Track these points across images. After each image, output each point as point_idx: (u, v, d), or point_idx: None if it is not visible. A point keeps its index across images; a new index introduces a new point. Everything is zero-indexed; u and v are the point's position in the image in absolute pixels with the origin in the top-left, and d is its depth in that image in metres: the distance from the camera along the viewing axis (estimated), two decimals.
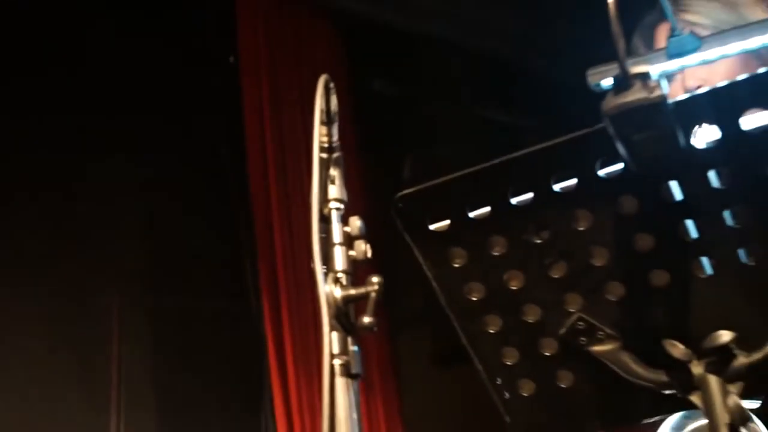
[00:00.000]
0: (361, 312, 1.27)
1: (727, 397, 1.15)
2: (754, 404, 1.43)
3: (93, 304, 4.06)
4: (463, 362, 1.33)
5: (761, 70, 1.08)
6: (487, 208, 1.22)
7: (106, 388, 3.97)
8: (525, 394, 1.30)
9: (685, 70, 1.80)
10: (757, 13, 2.06)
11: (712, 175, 1.12)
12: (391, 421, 4.23)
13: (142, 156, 4.34)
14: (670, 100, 1.07)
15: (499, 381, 1.30)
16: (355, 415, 1.23)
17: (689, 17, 2.06)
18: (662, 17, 2.06)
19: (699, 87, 1.96)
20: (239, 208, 4.29)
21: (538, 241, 1.23)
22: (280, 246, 4.08)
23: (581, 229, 1.20)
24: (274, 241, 4.10)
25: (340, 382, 1.23)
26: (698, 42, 1.42)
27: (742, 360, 1.18)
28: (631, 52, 2.06)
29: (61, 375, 3.90)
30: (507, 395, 1.30)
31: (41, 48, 4.13)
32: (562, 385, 1.29)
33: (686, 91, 1.98)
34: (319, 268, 1.26)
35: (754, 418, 1.42)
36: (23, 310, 3.87)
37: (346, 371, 1.23)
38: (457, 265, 1.26)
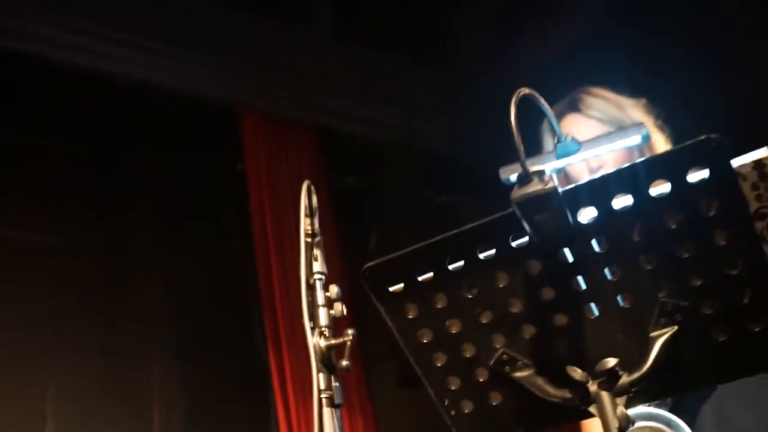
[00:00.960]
0: (340, 356, 1.28)
1: (616, 408, 1.17)
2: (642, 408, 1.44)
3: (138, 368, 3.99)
4: (422, 388, 1.33)
5: (638, 160, 1.13)
6: (431, 273, 1.25)
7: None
8: (466, 411, 1.31)
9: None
10: (637, 114, 2.10)
11: (593, 243, 1.16)
12: None
13: (171, 245, 4.35)
14: (560, 189, 1.11)
15: (446, 402, 1.31)
16: None
17: (590, 112, 2.10)
18: (563, 112, 2.11)
19: (600, 167, 1.99)
20: (249, 281, 4.31)
21: (470, 296, 1.25)
22: (280, 308, 4.14)
23: (501, 286, 1.23)
24: (276, 304, 4.15)
25: (327, 411, 1.23)
26: (578, 145, 1.47)
27: (624, 379, 1.20)
28: (539, 143, 2.11)
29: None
30: (453, 413, 1.31)
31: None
32: (494, 403, 1.30)
33: (590, 171, 2.01)
34: (307, 325, 1.27)
35: (639, 422, 1.43)
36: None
37: (331, 403, 1.24)
38: (410, 316, 1.28)
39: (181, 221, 4.38)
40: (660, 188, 1.08)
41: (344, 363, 1.24)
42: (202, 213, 4.46)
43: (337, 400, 1.23)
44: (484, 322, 1.25)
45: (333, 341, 1.25)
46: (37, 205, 3.97)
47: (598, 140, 1.58)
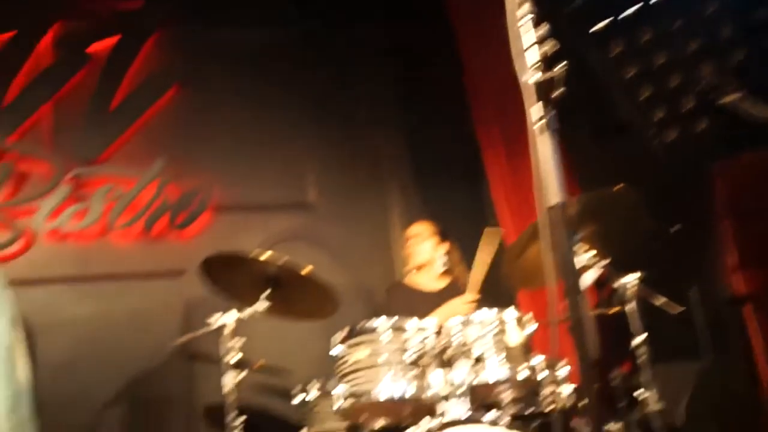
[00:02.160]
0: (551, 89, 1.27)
1: None
2: None
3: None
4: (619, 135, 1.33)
5: None
6: (635, 8, 1.22)
7: None
8: (670, 140, 1.30)
9: None
10: None
11: None
12: None
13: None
14: None
15: (651, 133, 1.30)
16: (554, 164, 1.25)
17: None
18: None
19: None
20: None
21: (676, 27, 1.22)
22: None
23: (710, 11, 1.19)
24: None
25: (544, 137, 1.25)
26: None
27: None
28: None
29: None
30: (657, 142, 1.30)
31: None
32: (698, 130, 1.29)
33: None
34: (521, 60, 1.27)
35: None
36: None
37: (547, 128, 1.25)
38: (615, 53, 1.26)
39: None
40: None
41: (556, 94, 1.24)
42: None
43: (553, 126, 1.24)
44: (691, 50, 1.23)
45: (546, 75, 1.25)
46: None
47: None
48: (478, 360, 2.30)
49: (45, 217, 3.46)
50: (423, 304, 3.14)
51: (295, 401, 2.77)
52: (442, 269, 3.28)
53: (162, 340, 3.23)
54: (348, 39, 4.09)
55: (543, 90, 1.26)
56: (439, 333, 2.40)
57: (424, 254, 3.26)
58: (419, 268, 3.27)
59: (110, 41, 3.84)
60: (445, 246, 3.31)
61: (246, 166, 3.81)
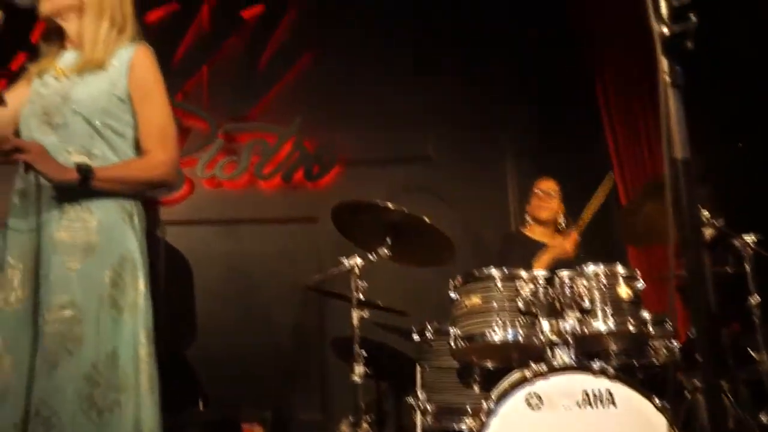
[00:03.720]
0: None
1: None
2: None
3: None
4: None
5: None
6: None
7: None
8: None
9: None
10: None
11: None
12: None
13: None
14: None
15: None
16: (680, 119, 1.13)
17: None
18: None
19: None
20: None
21: None
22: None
23: None
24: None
25: (670, 92, 1.13)
26: None
27: None
28: None
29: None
30: None
31: None
32: None
33: None
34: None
35: None
36: None
37: (674, 83, 1.12)
38: None
39: None
40: None
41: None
42: None
43: (678, 81, 1.11)
44: None
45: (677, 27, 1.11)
46: None
47: None
48: (588, 311, 2.20)
49: (203, 167, 3.65)
50: (536, 252, 3.05)
51: (413, 339, 2.80)
52: (558, 228, 3.18)
53: (298, 277, 3.35)
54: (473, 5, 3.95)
55: (673, 43, 1.13)
56: (551, 283, 2.33)
57: (550, 211, 3.15)
58: (541, 222, 3.17)
59: (257, 9, 3.94)
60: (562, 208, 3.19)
61: (372, 124, 3.83)
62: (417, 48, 3.89)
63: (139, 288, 1.66)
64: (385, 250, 2.58)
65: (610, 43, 3.59)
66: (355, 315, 2.50)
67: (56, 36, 1.76)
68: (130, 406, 1.59)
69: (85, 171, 1.58)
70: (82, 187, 1.58)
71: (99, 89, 1.69)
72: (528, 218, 3.21)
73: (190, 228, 3.62)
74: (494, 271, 2.33)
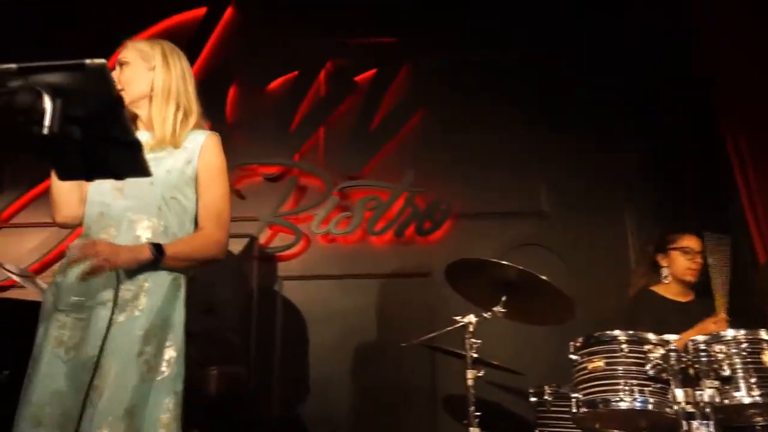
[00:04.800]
0: None
1: None
2: None
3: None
4: None
5: None
6: None
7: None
8: None
9: None
10: None
11: None
12: None
13: None
14: None
15: None
16: None
17: None
18: None
19: None
20: None
21: None
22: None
23: None
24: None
25: None
26: None
27: None
28: None
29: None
30: None
31: None
32: None
33: None
34: None
35: None
36: None
37: None
38: None
39: None
40: None
41: None
42: None
43: None
44: None
45: None
46: None
47: None
48: (728, 379, 2.01)
49: (318, 224, 3.75)
50: (673, 313, 2.85)
51: (531, 400, 2.67)
52: (691, 287, 2.96)
53: (410, 332, 3.31)
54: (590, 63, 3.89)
55: None
56: (684, 348, 2.15)
57: (698, 272, 2.92)
58: (686, 282, 2.94)
59: (370, 72, 4.08)
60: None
61: (484, 178, 3.80)
62: (532, 100, 3.87)
63: (173, 354, 1.74)
64: (500, 308, 2.51)
65: (741, 95, 3.35)
66: (470, 374, 2.43)
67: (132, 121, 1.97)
68: None
69: (157, 251, 1.76)
70: (153, 265, 1.72)
71: (174, 167, 1.87)
72: (667, 276, 2.98)
73: (306, 283, 3.71)
74: (619, 334, 2.20)
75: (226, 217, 1.92)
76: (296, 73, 4.08)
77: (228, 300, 3.52)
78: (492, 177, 3.80)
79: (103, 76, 1.33)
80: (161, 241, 1.80)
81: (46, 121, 1.23)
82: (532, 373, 2.88)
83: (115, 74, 1.97)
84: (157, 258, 1.74)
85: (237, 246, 3.72)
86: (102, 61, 1.34)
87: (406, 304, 3.63)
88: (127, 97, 1.92)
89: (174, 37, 4.13)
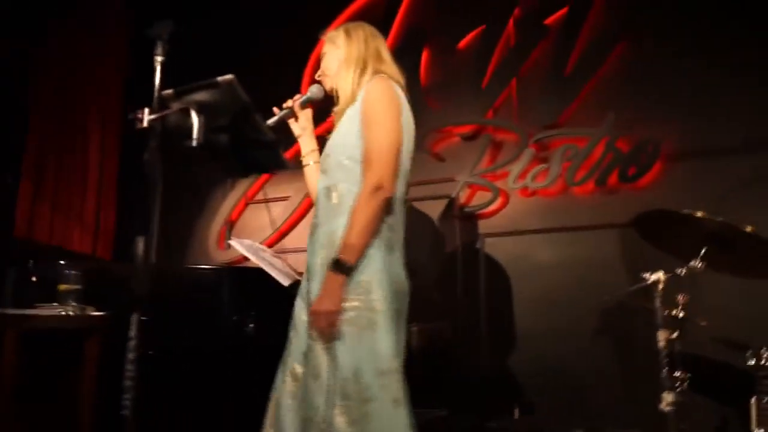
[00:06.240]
0: None
1: None
2: None
3: None
4: None
5: None
6: None
7: None
8: None
9: None
10: None
11: None
12: None
13: None
14: None
15: None
16: None
17: None
18: None
19: None
20: None
21: None
22: None
23: None
24: None
25: None
26: None
27: None
28: None
29: None
30: None
31: None
32: None
33: None
34: None
35: None
36: None
37: None
38: None
39: None
40: None
41: None
42: None
43: None
44: None
45: None
46: None
47: None
48: None
49: (515, 179, 3.69)
50: None
51: (748, 363, 2.35)
52: None
53: (618, 287, 3.11)
54: None
55: None
56: None
57: None
58: None
59: (562, 12, 3.81)
60: None
61: (695, 115, 3.34)
62: (739, 31, 3.26)
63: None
64: (698, 263, 2.24)
65: None
66: (662, 335, 2.23)
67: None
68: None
69: (337, 267, 1.75)
70: (350, 271, 1.75)
71: (348, 128, 1.88)
72: None
73: (506, 239, 3.69)
74: None
75: (377, 157, 1.81)
76: (482, 27, 3.99)
77: (429, 259, 3.67)
78: (706, 112, 3.32)
79: (232, 89, 1.51)
80: (350, 202, 1.81)
81: (194, 134, 1.45)
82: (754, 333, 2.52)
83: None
84: (345, 269, 1.74)
85: (437, 207, 3.84)
86: (230, 76, 1.52)
87: (613, 256, 3.41)
88: (328, 81, 2.03)
89: (366, 16, 4.39)
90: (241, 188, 4.51)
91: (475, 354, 3.58)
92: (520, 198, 3.72)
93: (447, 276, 3.73)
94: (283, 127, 2.09)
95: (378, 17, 4.28)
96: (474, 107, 3.91)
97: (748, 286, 2.71)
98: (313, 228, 1.91)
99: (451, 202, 3.85)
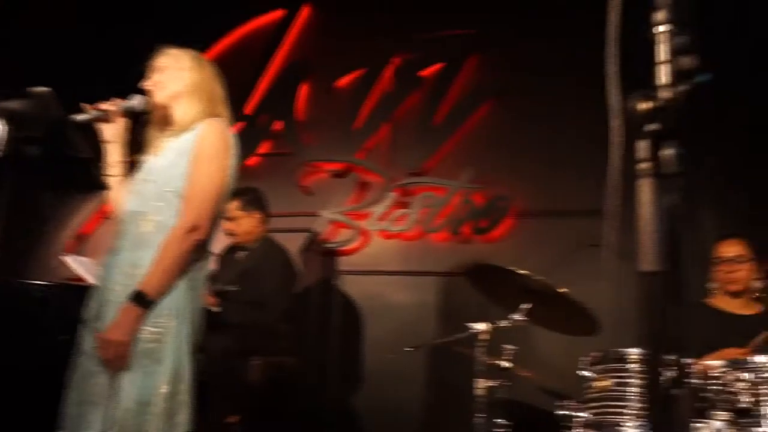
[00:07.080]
0: None
1: None
2: None
3: None
4: None
5: None
6: None
7: None
8: None
9: None
10: None
11: None
12: None
13: None
14: None
15: None
16: None
17: None
18: None
19: None
20: None
21: None
22: None
23: None
24: None
25: None
26: None
27: None
28: None
29: None
30: None
31: None
32: None
33: None
34: None
35: None
36: None
37: None
38: None
39: None
40: None
41: None
42: None
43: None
44: None
45: None
46: None
47: None
48: (745, 411, 1.77)
49: (376, 220, 3.78)
50: (733, 327, 2.56)
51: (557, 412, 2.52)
52: (755, 295, 2.63)
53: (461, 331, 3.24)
54: None
55: None
56: (706, 374, 1.92)
57: (742, 282, 2.63)
58: (734, 294, 2.65)
59: (437, 66, 4.01)
60: (759, 269, 2.64)
61: (547, 175, 3.60)
62: (590, 97, 3.57)
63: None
64: (519, 316, 2.40)
65: None
66: (481, 383, 2.35)
67: (163, 123, 1.98)
68: None
69: (137, 300, 1.72)
70: (149, 306, 1.73)
71: (174, 160, 1.86)
72: (714, 288, 2.70)
73: (363, 278, 3.76)
74: (632, 352, 2.02)
75: (203, 198, 1.81)
76: (363, 70, 4.11)
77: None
78: (556, 175, 3.59)
79: (48, 101, 1.46)
80: (161, 236, 1.78)
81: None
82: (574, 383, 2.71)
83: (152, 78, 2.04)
84: (145, 303, 1.72)
85: (297, 240, 3.86)
86: (46, 89, 1.48)
87: (461, 302, 3.56)
88: (160, 97, 1.95)
89: (252, 41, 4.39)
90: (95, 201, 4.29)
91: (321, 389, 3.58)
92: (379, 239, 3.82)
93: (300, 310, 3.73)
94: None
95: (260, 46, 4.31)
96: (346, 146, 4.00)
97: (569, 341, 2.91)
98: (116, 250, 1.84)
99: (313, 237, 3.88)
